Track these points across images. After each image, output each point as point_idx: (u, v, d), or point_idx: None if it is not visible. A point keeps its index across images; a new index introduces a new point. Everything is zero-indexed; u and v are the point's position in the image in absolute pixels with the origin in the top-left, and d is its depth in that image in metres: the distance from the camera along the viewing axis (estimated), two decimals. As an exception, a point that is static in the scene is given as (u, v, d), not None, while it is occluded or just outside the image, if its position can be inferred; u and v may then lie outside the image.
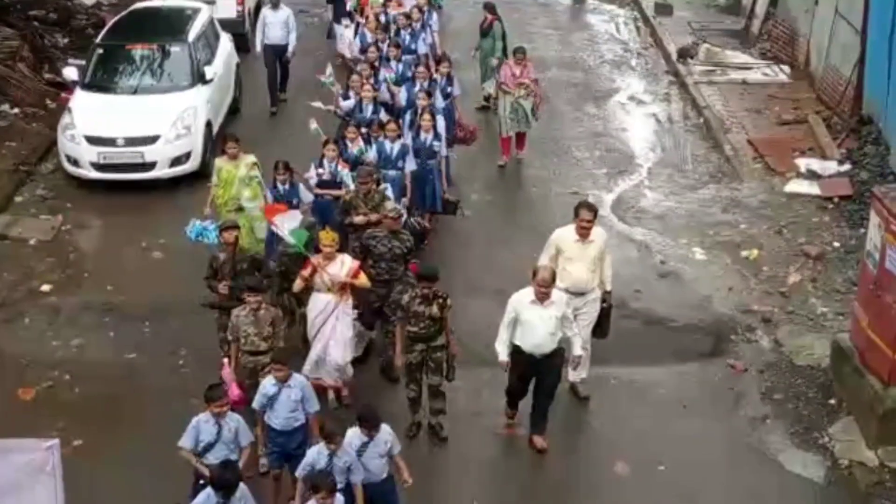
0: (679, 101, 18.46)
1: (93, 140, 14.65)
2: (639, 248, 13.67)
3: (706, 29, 21.21)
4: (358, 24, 17.01)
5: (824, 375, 10.94)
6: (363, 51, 15.75)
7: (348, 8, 18.59)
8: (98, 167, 14.67)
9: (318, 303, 10.04)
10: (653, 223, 14.31)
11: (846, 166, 15.09)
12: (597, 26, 22.56)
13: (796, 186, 14.89)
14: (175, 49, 15.95)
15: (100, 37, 16.69)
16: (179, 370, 10.98)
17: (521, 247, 13.62)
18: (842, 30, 16.72)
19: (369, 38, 16.15)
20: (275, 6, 17.20)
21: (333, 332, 9.99)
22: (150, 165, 14.70)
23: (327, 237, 10.03)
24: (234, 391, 9.19)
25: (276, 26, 17.14)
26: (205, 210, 12.06)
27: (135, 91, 15.53)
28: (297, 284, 10.13)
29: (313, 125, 12.94)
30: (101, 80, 15.69)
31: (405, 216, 11.59)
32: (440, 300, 9.63)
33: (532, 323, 9.40)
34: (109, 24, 17.35)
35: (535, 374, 9.72)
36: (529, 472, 9.74)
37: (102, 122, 14.83)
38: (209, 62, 16.18)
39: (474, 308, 11.77)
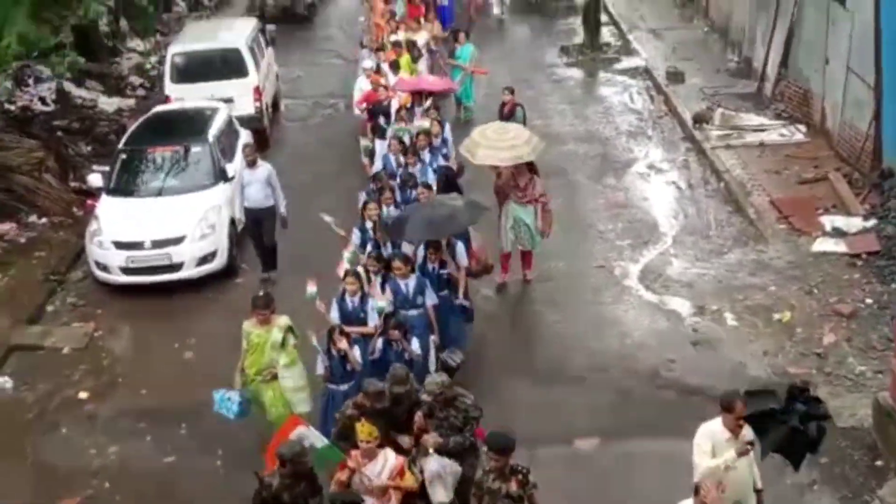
0: (698, 166, 18.49)
1: (120, 245, 14.82)
2: (669, 318, 13.62)
3: (719, 94, 21.32)
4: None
5: (869, 436, 10.79)
6: (391, 176, 14.45)
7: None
8: (127, 271, 14.81)
9: None
10: (681, 291, 14.26)
11: (872, 221, 15.03)
12: (611, 98, 22.71)
13: (823, 245, 14.83)
14: (196, 149, 16.14)
15: (122, 142, 16.93)
16: (218, 471, 10.94)
17: (549, 323, 13.69)
18: (855, 86, 16.79)
19: (392, 161, 15.08)
20: (251, 164, 14.78)
21: None
22: (178, 266, 14.82)
23: (364, 431, 8.57)
24: None
25: (254, 186, 14.72)
26: (235, 378, 10.87)
27: (159, 193, 15.71)
28: (332, 489, 8.59)
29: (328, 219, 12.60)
30: (126, 185, 15.90)
31: (432, 362, 10.80)
32: (520, 475, 8.18)
33: None
34: (131, 128, 17.60)
35: None
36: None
37: (129, 226, 15.01)
38: (230, 160, 16.37)
39: (506, 390, 11.80)
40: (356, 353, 10.57)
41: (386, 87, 18.07)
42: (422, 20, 22.56)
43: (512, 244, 14.15)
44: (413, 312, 11.41)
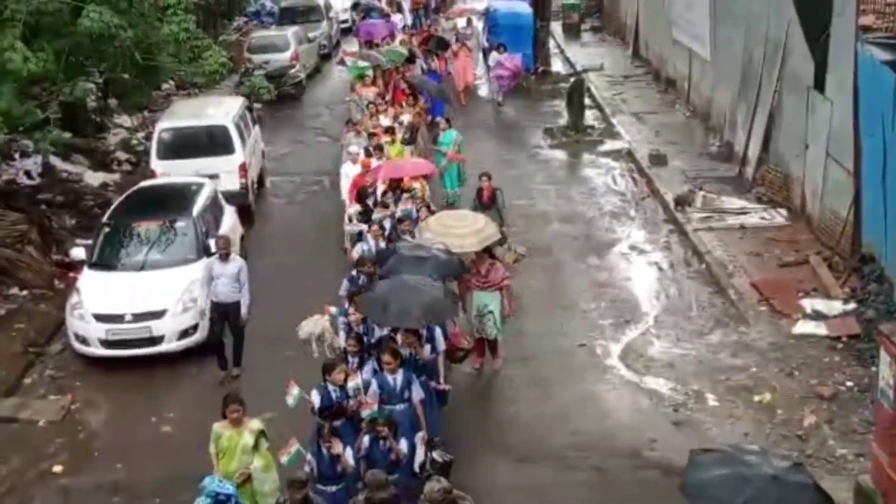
0: (680, 248, 18.60)
1: (101, 317, 14.76)
2: (650, 397, 13.59)
3: (701, 177, 21.52)
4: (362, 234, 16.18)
5: (850, 519, 10.72)
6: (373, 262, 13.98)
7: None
8: (106, 344, 14.73)
9: None
10: (663, 371, 14.24)
11: (852, 305, 15.11)
12: (594, 179, 22.87)
13: (804, 327, 14.88)
14: (180, 224, 16.19)
15: (106, 215, 16.95)
16: (191, 547, 10.76)
17: (530, 402, 13.62)
18: (834, 171, 16.99)
19: (372, 246, 14.83)
20: (223, 257, 14.35)
21: None
22: (158, 339, 14.75)
23: None
24: None
25: (223, 280, 14.21)
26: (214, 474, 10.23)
27: (141, 267, 15.69)
28: None
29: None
30: (109, 258, 15.88)
31: (419, 460, 10.42)
32: None
33: None
34: (116, 202, 17.65)
35: None
36: None
37: (110, 299, 14.96)
38: (214, 235, 16.38)
39: (487, 470, 11.69)
40: (348, 454, 10.29)
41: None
42: (403, 103, 22.79)
43: (477, 331, 14.03)
44: (399, 407, 11.10)
